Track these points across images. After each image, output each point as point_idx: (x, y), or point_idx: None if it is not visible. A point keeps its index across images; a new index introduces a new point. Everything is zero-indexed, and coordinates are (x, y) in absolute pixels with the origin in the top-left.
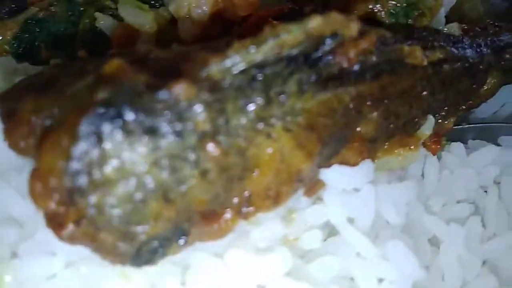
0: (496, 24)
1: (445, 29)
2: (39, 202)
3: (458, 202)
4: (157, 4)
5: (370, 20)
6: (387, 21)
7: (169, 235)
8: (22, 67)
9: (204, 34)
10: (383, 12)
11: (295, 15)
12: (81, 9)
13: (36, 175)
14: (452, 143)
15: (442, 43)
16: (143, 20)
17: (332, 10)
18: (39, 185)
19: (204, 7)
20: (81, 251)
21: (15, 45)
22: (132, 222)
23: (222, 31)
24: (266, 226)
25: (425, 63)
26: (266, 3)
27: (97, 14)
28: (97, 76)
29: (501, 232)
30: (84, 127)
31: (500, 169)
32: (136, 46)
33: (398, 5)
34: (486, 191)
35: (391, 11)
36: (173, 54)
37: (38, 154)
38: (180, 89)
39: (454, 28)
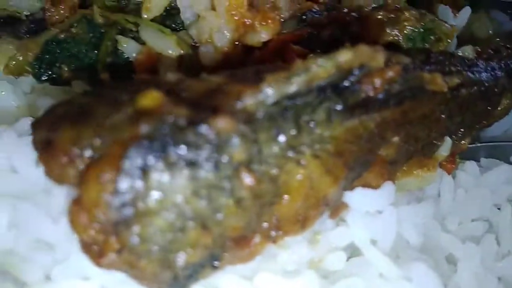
0: (508, 46)
1: (459, 52)
2: (79, 231)
3: (473, 220)
4: (178, 28)
5: (389, 45)
6: (404, 46)
7: (204, 261)
8: (41, 86)
9: (226, 58)
10: (400, 37)
11: (313, 40)
12: (102, 31)
13: (78, 205)
14: (466, 161)
15: (458, 67)
16: (166, 44)
17: (354, 39)
18: (82, 215)
19: (225, 32)
20: (115, 275)
21: (36, 65)
22: (172, 250)
23: (243, 55)
24: (293, 249)
25: (445, 89)
26: (285, 27)
27: (119, 37)
28: (137, 108)
29: None
30: (129, 161)
31: None
32: (166, 74)
33: (415, 30)
34: (499, 208)
35: (409, 36)
36: (206, 85)
37: (81, 185)
38: (221, 124)
39: (468, 51)
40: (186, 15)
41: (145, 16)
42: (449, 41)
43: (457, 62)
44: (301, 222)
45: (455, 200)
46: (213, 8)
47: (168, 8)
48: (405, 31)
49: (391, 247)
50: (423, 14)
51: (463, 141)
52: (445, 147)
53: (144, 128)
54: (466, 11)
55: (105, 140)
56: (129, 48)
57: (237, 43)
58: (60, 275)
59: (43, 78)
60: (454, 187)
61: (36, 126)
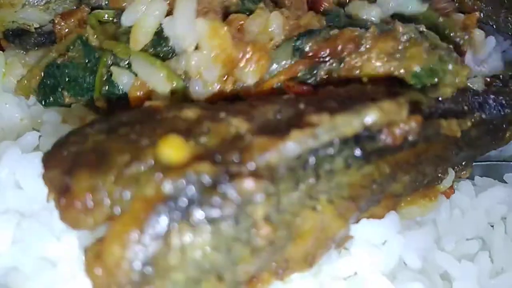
0: None
1: (469, 83)
2: (97, 285)
3: (467, 239)
4: (170, 52)
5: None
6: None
7: None
8: None
9: (218, 93)
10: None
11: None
12: (97, 56)
13: (98, 261)
14: (461, 181)
15: (469, 106)
16: (157, 78)
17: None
18: (102, 272)
19: (213, 70)
20: None
21: (40, 91)
22: None
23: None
24: (298, 283)
25: (459, 134)
26: (278, 56)
27: (113, 68)
28: (159, 159)
29: (508, 267)
30: (153, 221)
31: (507, 207)
32: (184, 110)
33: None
34: (492, 226)
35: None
36: (227, 130)
37: (104, 243)
38: (246, 185)
39: (478, 83)
40: (175, 42)
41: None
42: (457, 80)
43: (468, 100)
44: (310, 260)
45: (451, 220)
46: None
47: (158, 30)
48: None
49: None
50: (434, 42)
51: (464, 171)
52: (448, 180)
53: (168, 187)
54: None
55: (125, 193)
56: (123, 79)
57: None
58: None
59: (47, 103)
60: (450, 207)
61: (47, 162)
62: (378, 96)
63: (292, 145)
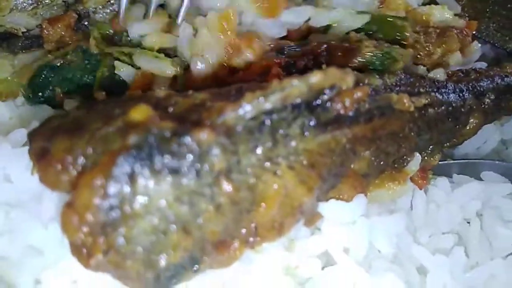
0: (478, 69)
1: (431, 74)
2: (70, 233)
3: (443, 233)
4: (171, 55)
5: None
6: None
7: (185, 263)
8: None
9: (213, 76)
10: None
11: (290, 67)
12: (98, 58)
13: (70, 209)
14: (438, 177)
15: (427, 89)
16: (163, 66)
17: (324, 65)
18: (73, 218)
19: (216, 51)
20: (103, 279)
21: (29, 90)
22: (154, 251)
23: (228, 75)
24: (269, 254)
25: (412, 109)
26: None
27: (116, 62)
28: (126, 121)
29: (483, 262)
30: (118, 168)
31: (482, 203)
32: (156, 91)
33: (374, 55)
34: (469, 223)
35: (370, 60)
36: (191, 100)
37: (74, 191)
38: (202, 136)
39: (439, 73)
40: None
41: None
42: (406, 62)
43: (426, 84)
44: (278, 229)
45: (427, 214)
46: None
47: None
48: (366, 56)
49: (364, 256)
50: (381, 42)
51: (432, 158)
52: (414, 162)
53: (132, 139)
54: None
55: (96, 150)
56: (125, 72)
57: (224, 64)
58: (50, 279)
59: (35, 100)
60: (426, 201)
61: (32, 137)
62: None
63: (246, 106)
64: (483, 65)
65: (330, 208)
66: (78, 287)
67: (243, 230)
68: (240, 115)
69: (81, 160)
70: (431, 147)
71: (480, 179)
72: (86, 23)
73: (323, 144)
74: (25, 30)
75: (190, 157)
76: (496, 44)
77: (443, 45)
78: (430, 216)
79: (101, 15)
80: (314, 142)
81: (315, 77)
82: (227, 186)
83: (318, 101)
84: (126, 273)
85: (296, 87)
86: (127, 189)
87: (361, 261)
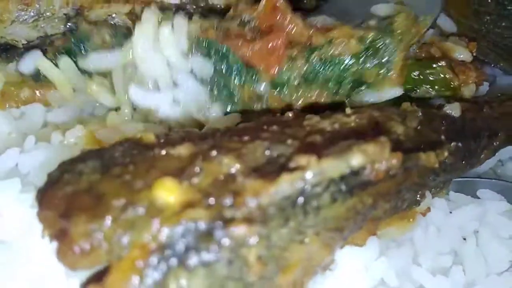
0: (491, 102)
1: (447, 109)
2: None
3: (442, 254)
4: None
5: None
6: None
7: None
8: None
9: None
10: None
11: None
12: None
13: None
14: (435, 198)
15: (447, 136)
16: None
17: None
18: None
19: None
20: None
21: None
22: None
23: None
24: None
25: (437, 165)
26: None
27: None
28: (152, 200)
29: (479, 278)
30: (151, 266)
31: (479, 223)
32: (177, 148)
33: None
34: (465, 239)
35: None
36: (219, 170)
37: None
38: (239, 231)
39: (455, 108)
40: None
41: None
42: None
43: (446, 128)
44: (298, 287)
45: (427, 237)
46: None
47: None
48: None
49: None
50: None
51: (441, 193)
52: (425, 202)
53: (164, 235)
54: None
55: (122, 238)
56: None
57: None
58: None
59: None
60: (426, 224)
61: (42, 202)
62: (360, 129)
63: (283, 187)
64: (485, 85)
65: (343, 255)
66: None
67: None
68: (275, 198)
69: (105, 245)
70: (441, 185)
71: (477, 197)
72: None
73: (350, 208)
74: (25, 42)
75: (226, 251)
76: (492, 63)
77: (462, 77)
78: (430, 239)
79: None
80: (342, 207)
81: (358, 159)
82: (257, 266)
83: (351, 172)
84: None
85: (336, 170)
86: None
87: None
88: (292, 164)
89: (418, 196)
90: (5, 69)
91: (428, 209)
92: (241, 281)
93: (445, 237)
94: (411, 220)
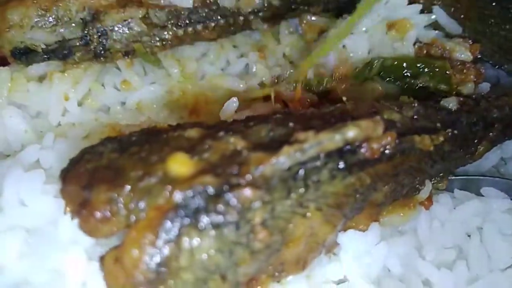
0: (487, 97)
1: (444, 103)
2: (113, 285)
3: (446, 248)
4: None
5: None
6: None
7: None
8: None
9: None
10: None
11: None
12: None
13: (117, 265)
14: (440, 193)
15: (443, 123)
16: None
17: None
18: (120, 275)
19: None
20: None
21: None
22: None
23: None
24: (292, 285)
25: (432, 148)
26: None
27: None
28: (167, 172)
29: (482, 274)
30: (166, 225)
31: (482, 218)
32: (187, 131)
33: None
34: (469, 236)
35: None
36: (225, 146)
37: (123, 247)
38: (246, 194)
39: (452, 102)
40: None
41: None
42: None
43: (442, 118)
44: (302, 264)
45: (431, 230)
46: None
47: None
48: None
49: (376, 276)
50: None
51: (441, 184)
52: (425, 190)
53: (178, 197)
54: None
55: (139, 203)
56: None
57: None
58: None
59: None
60: (430, 218)
61: (66, 178)
62: (357, 114)
63: (283, 158)
64: (487, 85)
65: (347, 238)
66: None
67: (270, 267)
68: (277, 167)
69: (123, 211)
70: (440, 174)
71: (481, 195)
72: (104, 41)
73: (349, 185)
74: (44, 46)
75: (233, 213)
76: (496, 65)
77: (461, 76)
78: (434, 233)
79: (119, 33)
80: (341, 184)
81: (351, 132)
82: (262, 234)
83: (348, 147)
84: None
85: (332, 142)
86: (173, 246)
87: (372, 279)
88: (292, 139)
89: (417, 182)
90: (25, 71)
91: (430, 202)
92: (248, 248)
93: (449, 231)
94: (412, 207)
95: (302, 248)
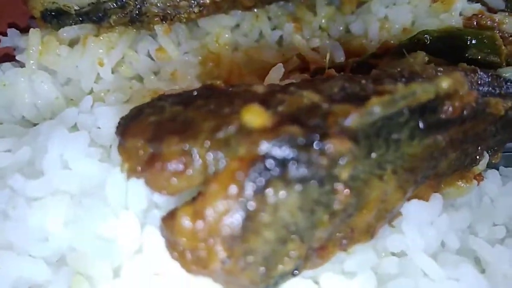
0: None
1: (503, 72)
2: (188, 238)
3: (495, 225)
4: None
5: None
6: None
7: (292, 269)
8: None
9: None
10: None
11: None
12: None
13: (198, 216)
14: (488, 170)
15: (507, 90)
16: None
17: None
18: (199, 225)
19: None
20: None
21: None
22: (272, 261)
23: None
24: (359, 255)
25: (502, 113)
26: None
27: None
28: (243, 123)
29: None
30: (251, 177)
31: None
32: (254, 86)
33: None
34: None
35: None
36: (299, 100)
37: (205, 199)
38: (337, 144)
39: (509, 71)
40: None
41: None
42: None
43: (503, 86)
44: (371, 232)
45: (481, 207)
46: None
47: None
48: None
49: (434, 251)
50: None
51: (496, 156)
52: (483, 162)
53: (265, 146)
54: None
55: (218, 154)
56: None
57: None
58: (130, 272)
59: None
60: (480, 194)
61: (125, 133)
62: (427, 75)
63: (376, 108)
64: None
65: (410, 208)
66: (160, 280)
67: (339, 234)
68: (364, 120)
69: (198, 163)
70: (495, 148)
71: None
72: (141, 4)
73: (426, 147)
74: (77, 8)
75: (323, 165)
76: None
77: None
78: (485, 209)
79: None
80: (419, 146)
81: (445, 83)
82: (344, 193)
83: (433, 103)
84: (238, 281)
85: (426, 93)
86: (260, 199)
87: (431, 254)
88: (380, 89)
89: (479, 152)
90: (57, 34)
91: (481, 177)
92: (328, 209)
93: (499, 208)
94: (469, 180)
95: (373, 215)
